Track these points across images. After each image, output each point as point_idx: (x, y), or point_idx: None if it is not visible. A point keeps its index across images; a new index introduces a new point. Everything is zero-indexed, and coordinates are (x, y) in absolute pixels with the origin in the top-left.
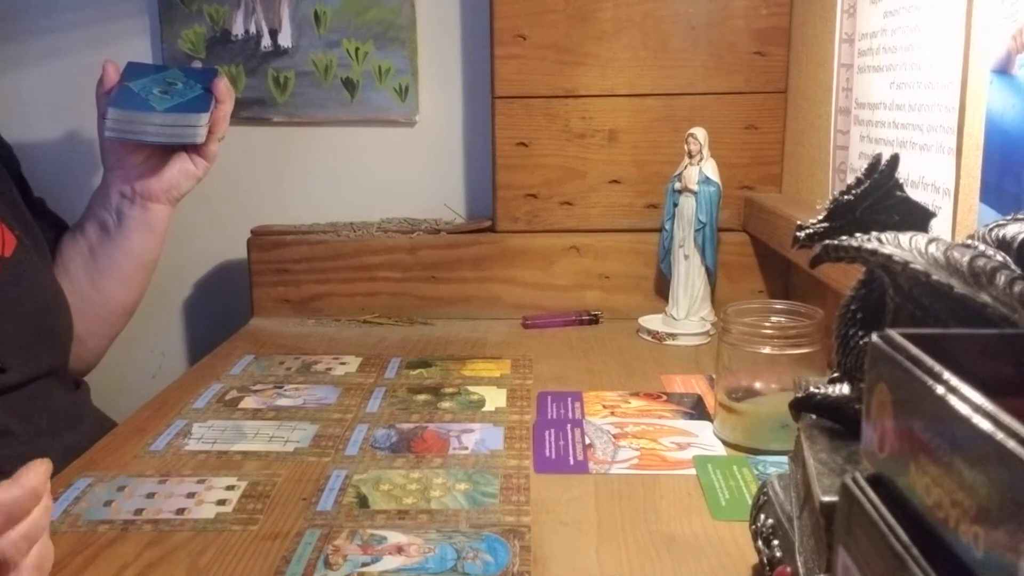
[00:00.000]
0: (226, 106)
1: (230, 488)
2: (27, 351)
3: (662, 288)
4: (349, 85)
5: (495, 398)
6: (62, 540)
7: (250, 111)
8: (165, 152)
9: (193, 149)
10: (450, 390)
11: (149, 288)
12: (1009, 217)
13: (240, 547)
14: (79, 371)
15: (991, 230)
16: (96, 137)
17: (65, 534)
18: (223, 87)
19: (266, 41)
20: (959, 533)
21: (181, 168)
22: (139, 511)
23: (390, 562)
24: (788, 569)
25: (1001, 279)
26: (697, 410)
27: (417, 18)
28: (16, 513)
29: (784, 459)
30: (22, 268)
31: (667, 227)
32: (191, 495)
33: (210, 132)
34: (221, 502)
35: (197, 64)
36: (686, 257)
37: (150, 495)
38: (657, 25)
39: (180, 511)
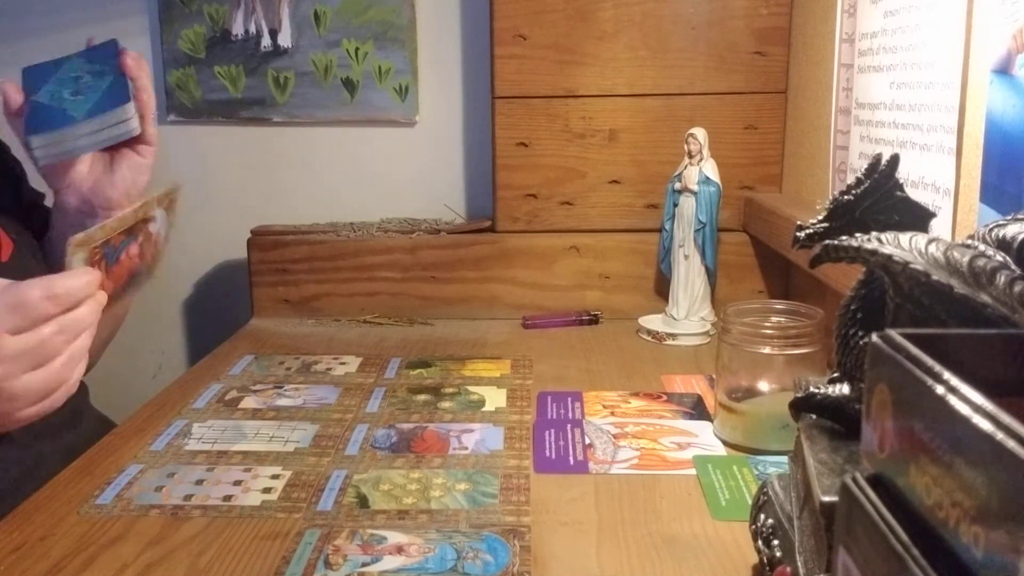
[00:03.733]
0: (142, 80)
1: (275, 477)
2: None
3: (662, 288)
4: (349, 85)
5: (495, 398)
6: (90, 527)
7: (250, 111)
8: (106, 155)
9: (134, 139)
10: (450, 390)
11: (149, 288)
12: (1009, 217)
13: (240, 547)
14: None
15: (991, 230)
16: None
17: (119, 518)
18: (130, 63)
19: (266, 41)
20: (959, 533)
21: (129, 164)
22: (188, 497)
23: (390, 562)
24: (788, 569)
25: (1001, 279)
26: (697, 410)
27: (417, 18)
28: (65, 302)
29: (784, 459)
30: (20, 272)
31: (667, 227)
32: (238, 483)
33: (141, 115)
34: (267, 490)
35: (92, 42)
36: (686, 257)
37: (199, 482)
38: (657, 25)
39: (227, 498)
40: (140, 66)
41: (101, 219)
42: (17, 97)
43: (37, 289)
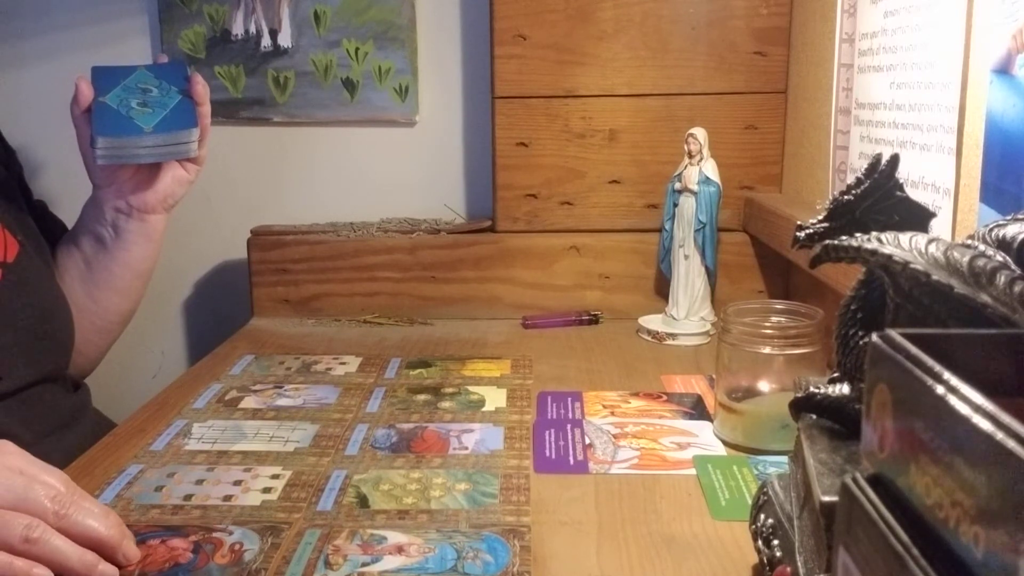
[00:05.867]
0: (206, 107)
1: (275, 477)
2: (28, 357)
3: (662, 288)
4: (349, 85)
5: (495, 398)
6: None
7: (250, 111)
8: (156, 163)
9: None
10: (450, 390)
11: (149, 288)
12: (1009, 217)
13: None
14: (76, 376)
15: (991, 230)
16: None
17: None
18: (200, 89)
19: (266, 41)
20: (959, 533)
21: (174, 176)
22: (188, 497)
23: (390, 562)
24: (788, 569)
25: (1001, 279)
26: (697, 410)
27: (417, 18)
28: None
29: (784, 459)
30: (24, 273)
31: (667, 227)
32: (238, 483)
33: (199, 139)
34: (266, 490)
35: (163, 59)
36: (686, 257)
37: (199, 482)
38: (657, 25)
39: (227, 498)
40: (206, 92)
41: (136, 219)
42: (88, 94)
43: (52, 491)
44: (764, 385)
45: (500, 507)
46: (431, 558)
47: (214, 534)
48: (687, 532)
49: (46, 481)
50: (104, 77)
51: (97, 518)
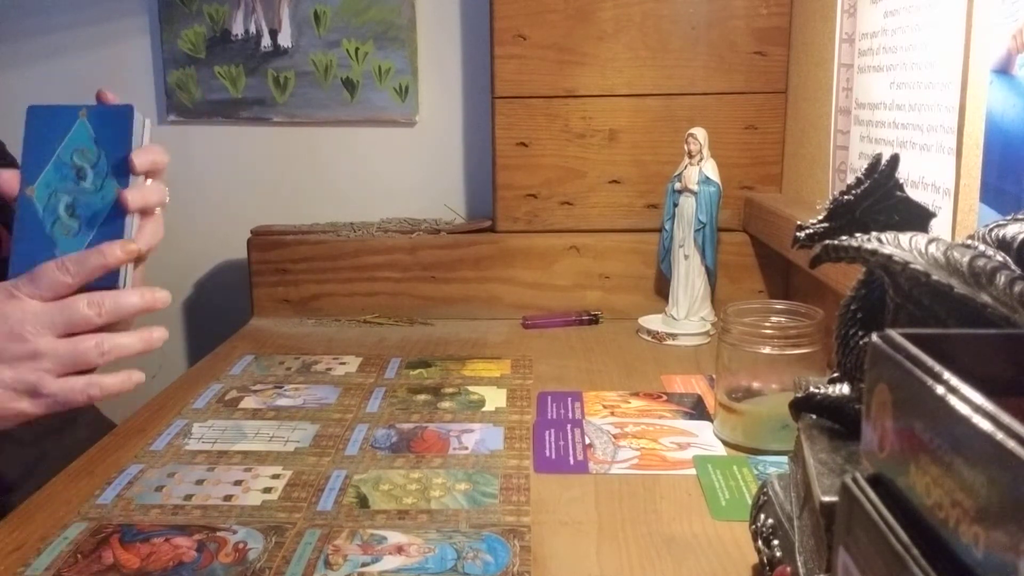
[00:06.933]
0: (148, 213)
1: (275, 476)
2: None
3: (662, 288)
4: (349, 85)
5: (495, 398)
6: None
7: (250, 111)
8: None
9: None
10: (450, 390)
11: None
12: (1009, 217)
13: None
14: None
15: (991, 230)
16: None
17: (118, 517)
18: (135, 193)
19: (266, 41)
20: (959, 533)
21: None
22: (189, 496)
23: (390, 562)
24: (788, 569)
25: (1001, 279)
26: (697, 410)
27: (417, 18)
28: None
29: (784, 459)
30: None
31: (667, 227)
32: (238, 483)
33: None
34: (267, 490)
35: (110, 97)
36: (686, 257)
37: (199, 482)
38: (657, 25)
39: (228, 498)
40: (151, 194)
41: None
42: (15, 185)
43: (84, 298)
44: (764, 385)
45: (500, 507)
46: (431, 558)
47: (218, 533)
48: (687, 532)
49: (71, 299)
50: (39, 122)
51: (130, 295)
